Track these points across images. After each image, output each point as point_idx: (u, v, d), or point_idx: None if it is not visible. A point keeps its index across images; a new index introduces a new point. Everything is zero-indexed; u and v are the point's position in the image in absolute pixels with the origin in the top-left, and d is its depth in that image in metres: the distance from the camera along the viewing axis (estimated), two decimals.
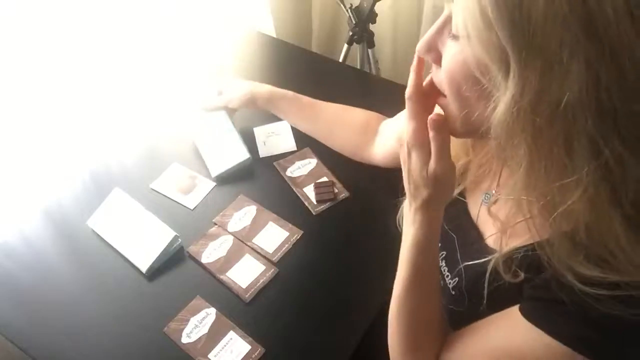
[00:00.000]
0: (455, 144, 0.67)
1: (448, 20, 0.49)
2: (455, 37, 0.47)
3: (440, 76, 0.52)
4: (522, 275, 0.55)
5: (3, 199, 1.05)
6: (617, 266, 0.47)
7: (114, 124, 1.19)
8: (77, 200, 1.06)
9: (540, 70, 0.41)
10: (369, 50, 1.60)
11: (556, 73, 0.41)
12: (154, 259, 0.94)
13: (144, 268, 0.95)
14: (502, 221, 0.59)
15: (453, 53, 0.48)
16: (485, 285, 0.59)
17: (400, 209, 0.75)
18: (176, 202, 1.05)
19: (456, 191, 0.70)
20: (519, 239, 0.56)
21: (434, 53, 0.52)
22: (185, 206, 1.04)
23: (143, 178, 1.09)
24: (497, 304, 0.59)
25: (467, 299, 0.64)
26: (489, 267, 0.58)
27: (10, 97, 1.01)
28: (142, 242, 0.97)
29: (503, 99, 0.43)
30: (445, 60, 0.50)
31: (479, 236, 0.66)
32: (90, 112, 1.16)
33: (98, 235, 1.00)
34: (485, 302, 0.60)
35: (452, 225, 0.71)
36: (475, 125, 0.50)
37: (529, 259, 0.55)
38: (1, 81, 0.98)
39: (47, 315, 0.91)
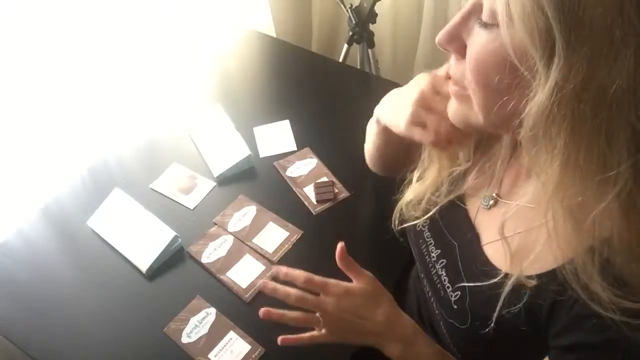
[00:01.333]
0: (454, 148, 0.66)
1: (475, 9, 0.47)
2: (487, 25, 0.46)
3: (463, 67, 0.50)
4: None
5: (3, 198, 1.05)
6: None
7: (114, 123, 1.19)
8: (77, 200, 1.06)
9: (588, 55, 0.39)
10: (369, 50, 1.60)
11: (604, 59, 0.39)
12: (154, 259, 0.94)
13: (144, 268, 0.95)
14: (513, 249, 0.57)
15: (484, 40, 0.46)
16: (498, 308, 0.56)
17: (395, 209, 0.75)
18: (176, 202, 1.05)
19: (452, 196, 0.68)
20: (528, 255, 0.53)
21: (457, 43, 0.50)
22: (185, 206, 1.04)
23: (143, 178, 1.09)
24: (505, 327, 0.57)
25: (470, 318, 0.62)
26: (503, 293, 0.55)
27: (11, 97, 1.01)
28: (142, 242, 0.97)
29: (544, 86, 0.41)
30: (473, 49, 0.48)
31: (478, 243, 0.65)
32: (90, 112, 1.16)
33: (98, 235, 1.00)
34: (493, 324, 0.57)
35: (452, 231, 0.69)
36: (504, 117, 0.48)
37: (545, 286, 0.53)
38: (1, 81, 0.98)
39: (47, 315, 0.91)
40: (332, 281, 0.70)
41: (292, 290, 0.69)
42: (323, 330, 0.70)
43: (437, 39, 0.51)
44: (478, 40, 0.47)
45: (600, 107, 0.41)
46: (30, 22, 0.98)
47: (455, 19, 0.49)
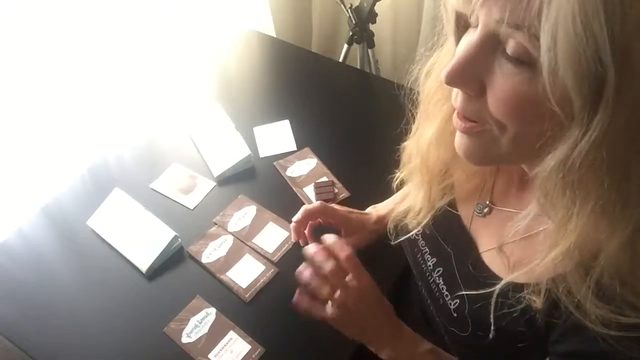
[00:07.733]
0: (446, 159, 0.64)
1: (489, 41, 0.42)
2: (519, 62, 0.40)
3: (480, 106, 0.45)
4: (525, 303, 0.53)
5: (3, 198, 1.05)
6: (635, 303, 0.45)
7: (114, 123, 1.19)
8: (77, 200, 1.06)
9: (632, 100, 0.37)
10: (369, 50, 1.60)
11: None
12: (154, 259, 0.94)
13: (144, 268, 0.95)
14: (512, 257, 0.56)
15: (516, 81, 0.41)
16: (492, 312, 0.56)
17: (389, 222, 0.75)
18: (176, 202, 1.05)
19: (443, 202, 0.67)
20: (527, 263, 0.52)
21: (475, 83, 0.44)
22: (185, 206, 1.04)
23: (143, 178, 1.09)
24: (506, 334, 0.57)
25: (471, 325, 0.61)
26: (494, 295, 0.55)
27: (11, 97, 1.01)
28: (142, 242, 0.97)
29: (586, 134, 0.38)
30: (502, 91, 0.43)
31: (474, 250, 0.64)
32: (90, 112, 1.16)
33: (98, 235, 1.00)
34: (492, 328, 0.57)
35: (447, 238, 0.68)
36: (533, 153, 0.44)
37: (537, 295, 0.52)
38: (1, 81, 0.98)
39: (47, 315, 0.91)
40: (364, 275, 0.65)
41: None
42: (334, 310, 0.64)
43: (446, 79, 0.45)
44: (508, 80, 0.42)
45: (633, 151, 0.39)
46: (31, 22, 0.98)
47: (466, 53, 0.43)
